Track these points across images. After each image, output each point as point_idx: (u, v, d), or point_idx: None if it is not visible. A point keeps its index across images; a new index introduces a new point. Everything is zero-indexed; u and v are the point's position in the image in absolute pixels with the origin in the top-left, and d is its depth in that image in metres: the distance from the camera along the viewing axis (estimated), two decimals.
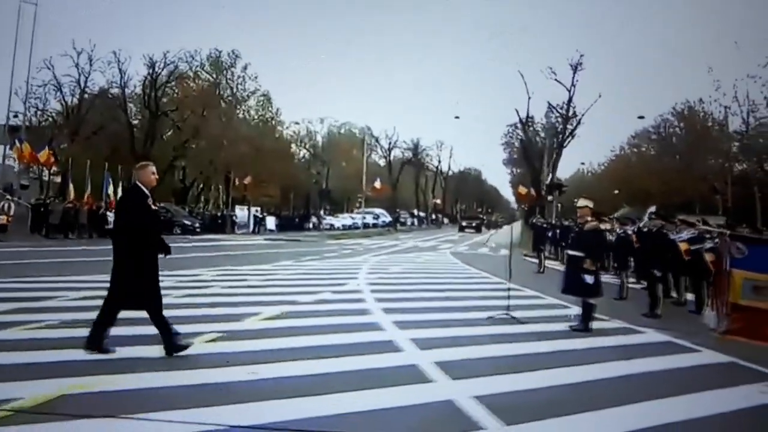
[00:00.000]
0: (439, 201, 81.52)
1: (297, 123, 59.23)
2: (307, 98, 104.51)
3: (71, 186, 30.43)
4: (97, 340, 5.85)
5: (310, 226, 48.77)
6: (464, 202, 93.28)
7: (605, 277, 15.36)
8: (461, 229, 56.20)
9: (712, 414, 5.10)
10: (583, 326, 8.56)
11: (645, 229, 11.23)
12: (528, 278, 15.20)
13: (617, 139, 78.72)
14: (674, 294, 12.62)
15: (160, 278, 6.13)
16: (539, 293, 12.33)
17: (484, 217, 78.83)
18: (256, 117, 55.55)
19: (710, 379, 6.24)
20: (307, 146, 66.48)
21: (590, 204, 8.94)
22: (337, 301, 10.20)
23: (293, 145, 64.79)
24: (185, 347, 6.04)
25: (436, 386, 5.57)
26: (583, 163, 74.66)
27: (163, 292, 6.21)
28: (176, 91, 49.48)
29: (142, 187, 6.06)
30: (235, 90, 51.61)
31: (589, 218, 8.80)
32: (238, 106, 52.59)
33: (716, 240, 11.06)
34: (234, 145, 44.20)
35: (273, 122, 57.72)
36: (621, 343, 8.06)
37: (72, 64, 42.93)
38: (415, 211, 75.85)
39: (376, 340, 7.28)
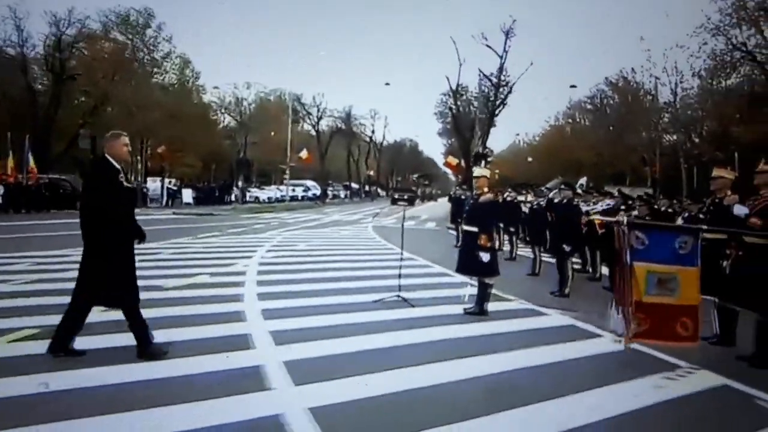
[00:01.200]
0: (372, 172, 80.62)
1: (216, 88, 56.55)
2: (233, 63, 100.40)
3: None
4: (63, 343, 5.27)
5: (232, 198, 46.96)
6: (400, 174, 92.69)
7: (522, 251, 15.10)
8: (393, 202, 55.27)
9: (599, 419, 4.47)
10: (478, 309, 7.90)
11: (556, 201, 10.65)
12: (441, 254, 14.55)
13: (554, 109, 79.67)
14: (590, 269, 12.27)
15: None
16: (447, 270, 11.65)
17: (418, 190, 78.51)
18: (175, 82, 52.86)
19: (609, 370, 5.66)
20: (232, 113, 63.90)
21: (487, 174, 8.22)
22: (209, 286, 9.18)
23: (218, 113, 62.33)
24: (163, 353, 5.40)
25: (274, 394, 4.71)
26: (518, 134, 75.43)
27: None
28: (85, 52, 46.28)
29: (113, 161, 5.39)
30: (150, 52, 48.72)
31: (486, 189, 8.06)
32: (156, 70, 49.80)
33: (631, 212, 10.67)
34: (146, 111, 41.71)
35: (192, 87, 55.07)
36: (518, 328, 7.44)
37: None
38: (350, 183, 74.75)
39: (228, 335, 6.34)
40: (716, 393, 5.21)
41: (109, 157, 5.41)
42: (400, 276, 8.70)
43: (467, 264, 8.05)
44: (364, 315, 7.60)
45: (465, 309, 7.98)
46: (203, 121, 52.72)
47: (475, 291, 8.11)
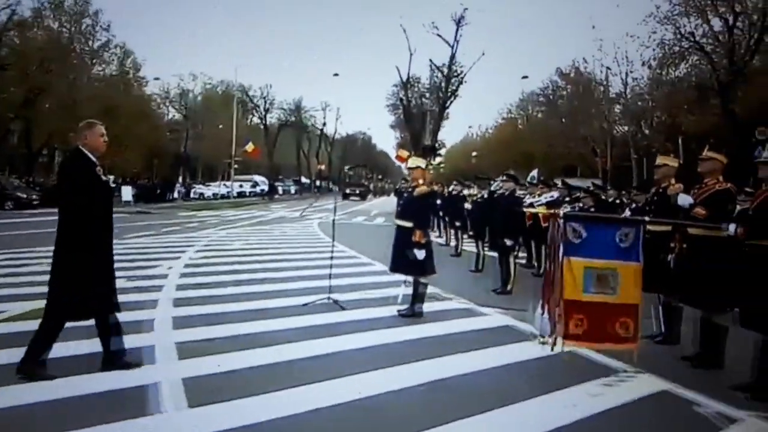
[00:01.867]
0: (324, 167, 79.79)
1: (158, 79, 54.64)
2: (177, 54, 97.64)
3: None
4: (34, 363, 4.79)
5: (175, 195, 45.58)
6: (352, 168, 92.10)
7: (467, 246, 14.76)
8: (345, 196, 55.17)
9: None
10: (412, 310, 7.47)
11: (497, 193, 10.30)
12: (387, 251, 14.07)
13: (507, 101, 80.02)
14: (536, 264, 12.01)
15: None
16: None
17: (369, 184, 78.28)
18: (116, 72, 50.92)
19: (544, 377, 5.30)
20: (177, 106, 62.09)
21: (422, 164, 7.77)
22: (123, 292, 8.33)
23: (162, 106, 60.42)
24: (132, 365, 5.08)
25: (160, 421, 4.14)
26: (470, 127, 75.69)
27: None
28: (16, 41, 44.02)
29: (88, 153, 4.99)
30: (87, 41, 46.75)
31: (422, 181, 7.62)
32: (95, 60, 47.87)
33: (577, 204, 10.42)
34: (84, 104, 39.98)
35: (132, 79, 53.15)
36: (453, 330, 7.03)
37: None
38: (300, 178, 73.78)
39: (128, 348, 5.71)
40: (656, 400, 4.90)
41: (83, 149, 5.00)
42: (330, 276, 8.19)
43: (401, 262, 7.61)
44: (289, 321, 7.07)
45: (399, 311, 7.54)
46: (144, 115, 50.94)
47: (410, 291, 7.67)
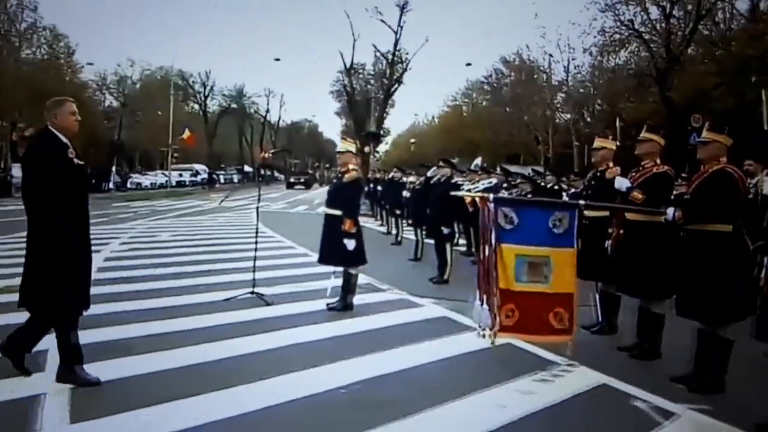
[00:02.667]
0: (267, 155, 78.19)
1: (91, 64, 52.19)
2: (115, 39, 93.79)
3: None
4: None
5: (110, 186, 43.83)
6: (299, 157, 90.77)
7: (408, 234, 14.44)
8: (289, 185, 54.28)
9: None
10: (343, 304, 7.05)
11: (434, 180, 9.95)
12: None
13: (453, 88, 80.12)
14: (475, 251, 11.76)
15: None
16: None
17: (316, 173, 77.37)
18: (46, 56, 48.42)
19: (475, 372, 5.00)
20: (114, 93, 59.61)
21: (352, 148, 7.32)
22: None
23: (98, 92, 57.86)
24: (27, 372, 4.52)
25: None
26: (416, 115, 75.60)
27: None
28: None
29: (58, 134, 4.45)
30: (13, 23, 44.24)
31: (351, 167, 7.17)
32: (22, 42, 45.37)
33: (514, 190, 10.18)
34: (12, 90, 37.85)
35: (64, 64, 50.67)
36: (386, 323, 6.68)
37: None
38: (244, 167, 72.18)
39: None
40: (592, 395, 4.63)
41: (53, 130, 4.46)
42: (254, 269, 7.66)
43: (330, 252, 7.16)
44: (208, 318, 6.53)
45: (328, 305, 7.11)
46: (79, 101, 48.04)
47: (339, 282, 7.24)
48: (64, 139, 4.46)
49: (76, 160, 4.48)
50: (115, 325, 6.10)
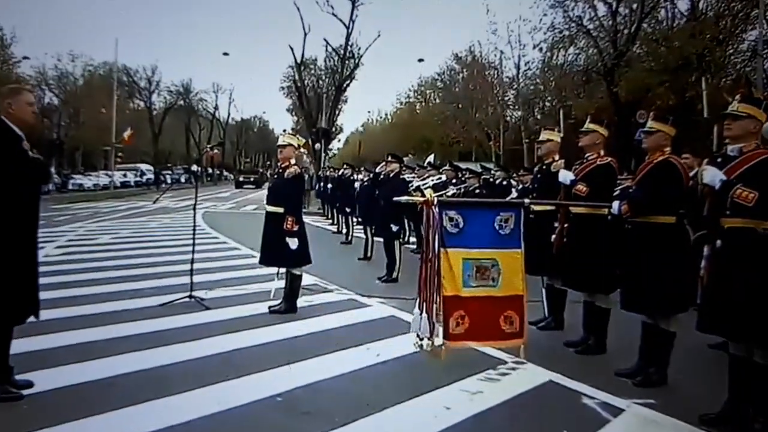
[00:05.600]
0: (217, 152, 76.82)
1: (27, 58, 50.14)
2: (55, 32, 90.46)
3: None
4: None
5: (50, 187, 42.26)
6: (249, 155, 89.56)
7: (358, 233, 14.30)
8: (239, 185, 53.42)
9: None
10: (286, 306, 6.85)
11: (381, 176, 9.82)
12: None
13: (406, 86, 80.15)
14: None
15: None
16: None
17: (267, 171, 76.36)
18: None
19: (424, 373, 4.84)
20: (55, 90, 57.42)
21: (293, 142, 7.11)
22: None
23: (37, 89, 55.61)
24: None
25: None
26: (369, 111, 75.41)
27: None
28: None
29: (12, 125, 4.13)
30: None
31: (293, 161, 6.97)
32: None
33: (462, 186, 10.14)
34: None
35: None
36: (332, 325, 6.51)
37: None
38: (190, 166, 70.65)
39: None
40: (539, 393, 4.58)
41: (6, 120, 4.13)
42: (192, 272, 7.38)
43: (272, 253, 6.94)
44: (141, 324, 6.22)
45: (270, 307, 6.89)
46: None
47: (282, 284, 7.04)
48: (18, 132, 4.15)
49: (30, 153, 4.20)
50: (41, 334, 5.73)
